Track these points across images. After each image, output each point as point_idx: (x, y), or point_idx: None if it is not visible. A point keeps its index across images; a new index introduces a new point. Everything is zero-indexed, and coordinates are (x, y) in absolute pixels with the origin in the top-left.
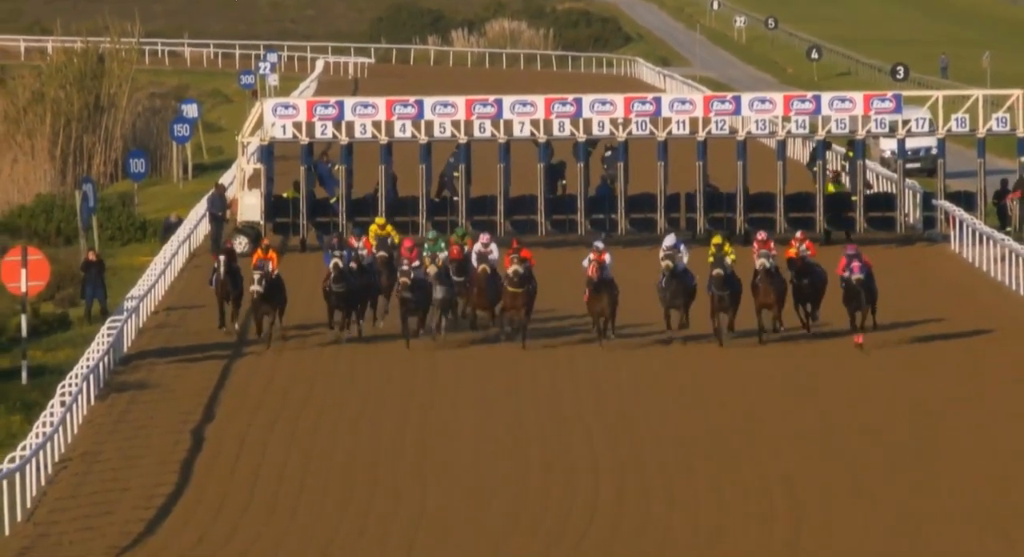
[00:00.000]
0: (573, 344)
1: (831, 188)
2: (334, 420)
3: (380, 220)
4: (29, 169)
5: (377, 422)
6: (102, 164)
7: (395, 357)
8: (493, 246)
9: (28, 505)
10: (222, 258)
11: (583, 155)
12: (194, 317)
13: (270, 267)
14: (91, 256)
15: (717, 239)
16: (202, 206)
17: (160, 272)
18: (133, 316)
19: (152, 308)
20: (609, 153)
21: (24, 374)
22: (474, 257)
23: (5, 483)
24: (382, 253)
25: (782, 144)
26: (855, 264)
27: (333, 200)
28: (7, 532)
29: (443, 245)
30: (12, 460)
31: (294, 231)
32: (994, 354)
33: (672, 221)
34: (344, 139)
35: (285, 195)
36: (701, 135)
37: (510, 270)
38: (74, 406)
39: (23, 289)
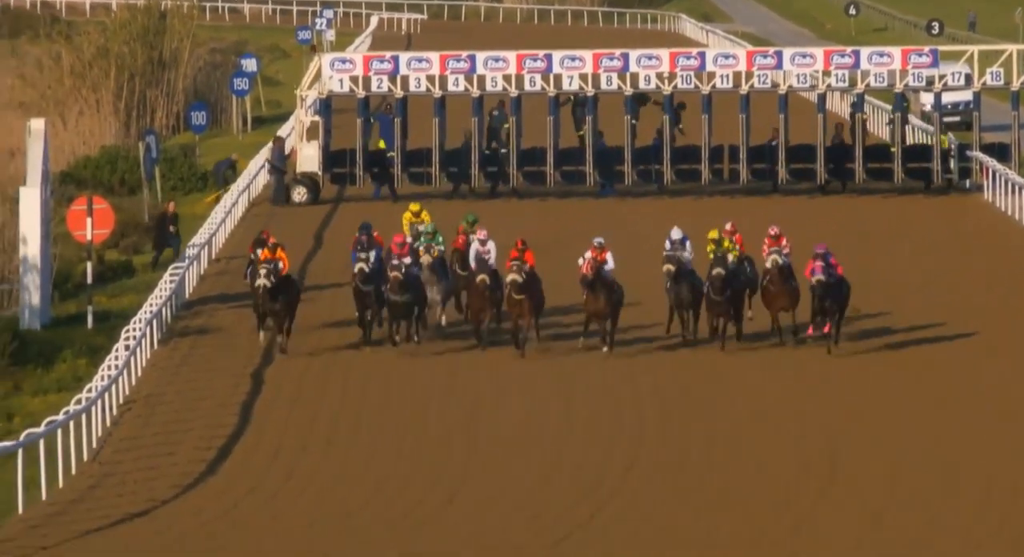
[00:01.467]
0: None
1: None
2: (389, 362)
3: (415, 206)
4: (94, 122)
5: (430, 365)
6: (164, 117)
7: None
8: (491, 244)
9: (94, 445)
10: (259, 251)
11: (631, 108)
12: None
13: (281, 267)
14: (171, 208)
15: (714, 233)
16: (261, 157)
17: (220, 221)
18: (195, 263)
19: (213, 256)
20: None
21: (90, 319)
22: (471, 256)
23: (72, 424)
24: (426, 256)
25: (822, 97)
26: (817, 264)
27: (390, 153)
28: (74, 471)
29: (441, 239)
30: (79, 402)
31: (351, 181)
32: None
33: (716, 172)
34: (399, 92)
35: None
36: (744, 89)
37: (508, 279)
38: (138, 350)
39: (88, 237)
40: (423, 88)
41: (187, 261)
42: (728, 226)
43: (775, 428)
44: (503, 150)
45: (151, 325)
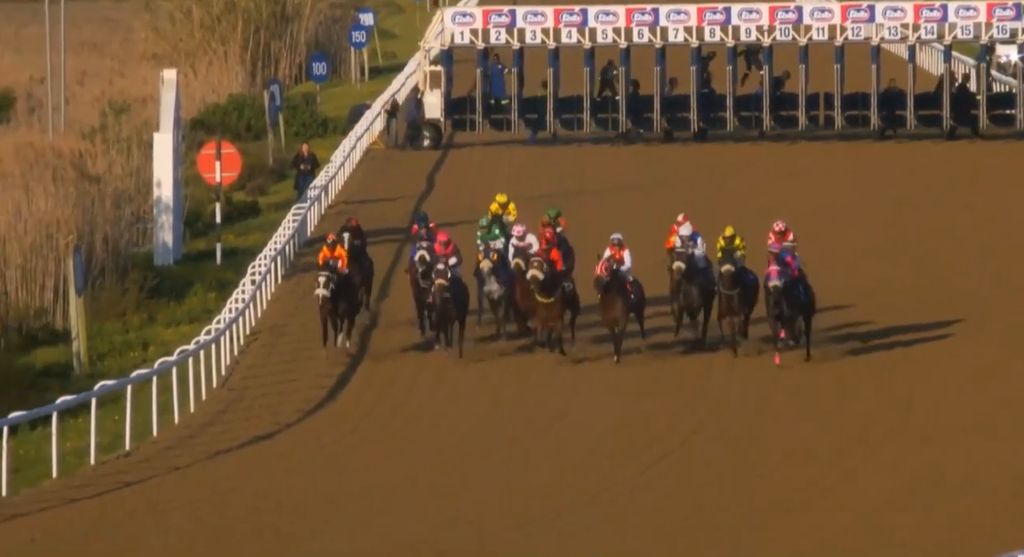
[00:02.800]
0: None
1: None
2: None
3: (501, 197)
4: (222, 72)
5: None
6: (287, 67)
7: None
8: (530, 237)
9: (222, 373)
10: (346, 235)
11: (732, 59)
12: (369, 206)
13: (339, 266)
14: (304, 151)
15: (729, 231)
16: (378, 105)
17: (339, 165)
18: (316, 204)
19: (332, 197)
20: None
21: (218, 256)
22: (510, 251)
23: (202, 353)
24: (485, 262)
25: (912, 49)
26: (772, 269)
27: (505, 101)
28: (204, 397)
29: (497, 232)
30: (208, 332)
31: (470, 127)
32: None
33: (812, 119)
34: (516, 44)
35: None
36: (839, 41)
37: (528, 275)
38: (263, 284)
39: (217, 179)
40: (538, 40)
41: (309, 202)
42: (778, 226)
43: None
44: (616, 97)
45: (275, 261)
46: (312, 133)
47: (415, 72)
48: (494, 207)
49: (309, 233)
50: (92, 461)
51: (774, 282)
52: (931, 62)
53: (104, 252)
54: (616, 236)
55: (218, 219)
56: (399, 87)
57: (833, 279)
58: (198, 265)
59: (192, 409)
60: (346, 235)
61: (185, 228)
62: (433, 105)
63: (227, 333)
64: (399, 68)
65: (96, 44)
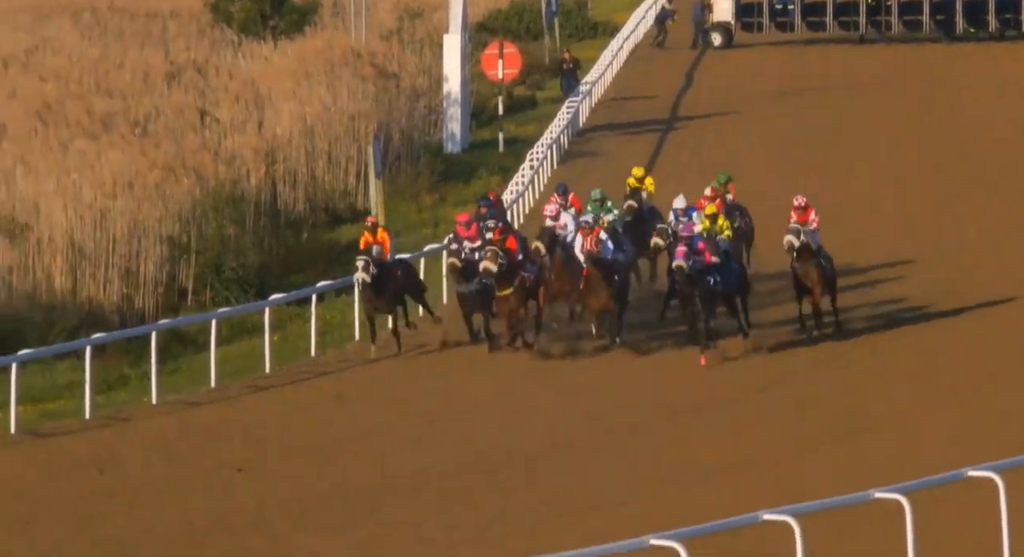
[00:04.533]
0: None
1: None
2: None
3: (638, 171)
4: None
5: None
6: None
7: None
8: (566, 217)
9: None
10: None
11: None
12: (637, 102)
13: (381, 252)
14: (567, 55)
15: (711, 209)
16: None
17: (607, 63)
18: (587, 98)
19: (601, 92)
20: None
21: (500, 144)
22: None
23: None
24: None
25: None
26: (679, 249)
27: (791, 6)
28: None
29: (610, 205)
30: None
31: (758, 29)
32: None
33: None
34: None
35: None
36: None
37: (481, 267)
38: (540, 170)
39: (500, 76)
40: None
41: (580, 96)
42: (797, 201)
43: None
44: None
45: (551, 149)
46: (583, 35)
47: None
48: (631, 181)
49: (581, 124)
50: (389, 326)
51: (677, 262)
52: None
53: (400, 140)
54: (585, 219)
55: (500, 111)
56: None
57: None
58: (482, 152)
59: None
60: (483, 209)
61: (471, 119)
62: (724, 9)
63: (508, 213)
64: None
65: None
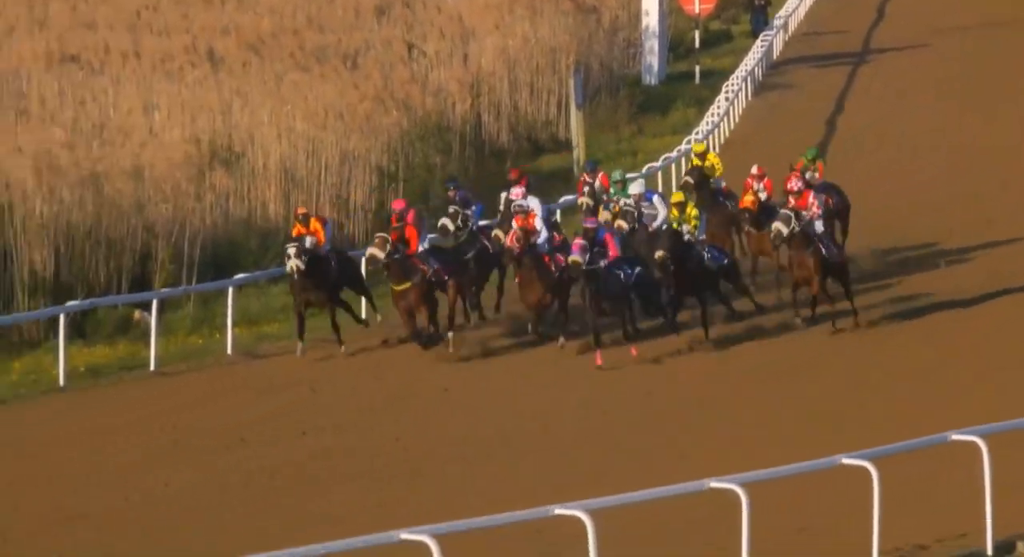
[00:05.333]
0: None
1: None
2: None
3: (699, 146)
4: None
5: None
6: None
7: None
8: (532, 202)
9: None
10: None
11: None
12: (829, 36)
13: (316, 243)
14: None
15: (678, 196)
16: None
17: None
18: (780, 31)
19: (795, 27)
20: None
21: (697, 76)
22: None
23: (683, 159)
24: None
25: None
26: (576, 242)
27: None
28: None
29: (633, 188)
30: (688, 142)
31: None
32: None
33: None
34: None
35: None
36: None
37: (367, 253)
38: (735, 101)
39: (696, 10)
40: None
41: (774, 30)
42: (755, 169)
43: None
44: None
45: (746, 81)
46: None
47: None
48: (695, 160)
49: (775, 57)
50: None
51: (573, 256)
52: None
53: (599, 73)
54: (520, 203)
55: (696, 44)
56: None
57: None
58: (679, 84)
59: None
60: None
61: (668, 53)
62: None
63: (704, 143)
64: None
65: None
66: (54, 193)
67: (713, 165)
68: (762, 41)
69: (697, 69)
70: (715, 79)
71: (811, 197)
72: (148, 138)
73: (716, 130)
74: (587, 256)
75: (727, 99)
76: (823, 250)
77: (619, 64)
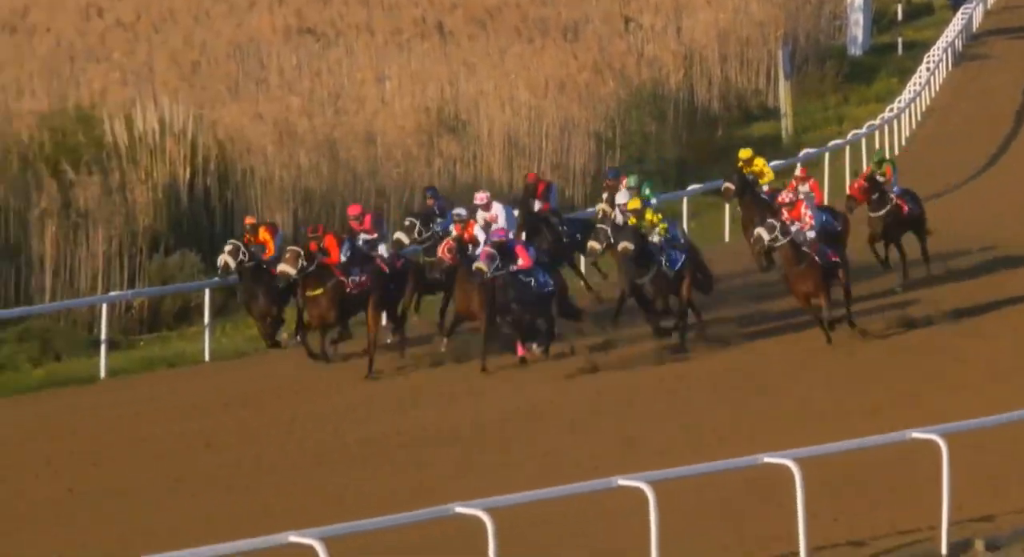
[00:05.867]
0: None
1: None
2: None
3: (745, 153)
4: None
5: None
6: None
7: None
8: (497, 208)
9: (902, 143)
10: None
11: None
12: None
13: (262, 252)
14: None
15: (635, 203)
16: None
17: None
18: (980, 3)
19: (993, 0)
20: None
21: (899, 47)
22: (479, 234)
23: (886, 127)
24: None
25: None
26: (483, 250)
27: None
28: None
29: (648, 193)
30: (891, 110)
31: None
32: None
33: None
34: None
35: None
36: None
37: (279, 270)
38: (936, 71)
39: None
40: None
41: (975, 2)
42: (798, 171)
43: None
44: None
45: (947, 52)
46: None
47: None
48: (740, 164)
49: (975, 29)
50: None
51: (477, 264)
52: None
53: (806, 44)
54: (458, 211)
55: (899, 17)
56: None
57: None
58: (883, 55)
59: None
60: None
61: (872, 25)
62: None
63: (907, 111)
64: None
65: None
66: (292, 158)
67: (761, 171)
68: (962, 13)
69: (900, 41)
70: (917, 50)
71: (803, 208)
72: (380, 106)
73: (917, 99)
74: (494, 264)
75: (928, 69)
76: (816, 258)
77: (825, 36)
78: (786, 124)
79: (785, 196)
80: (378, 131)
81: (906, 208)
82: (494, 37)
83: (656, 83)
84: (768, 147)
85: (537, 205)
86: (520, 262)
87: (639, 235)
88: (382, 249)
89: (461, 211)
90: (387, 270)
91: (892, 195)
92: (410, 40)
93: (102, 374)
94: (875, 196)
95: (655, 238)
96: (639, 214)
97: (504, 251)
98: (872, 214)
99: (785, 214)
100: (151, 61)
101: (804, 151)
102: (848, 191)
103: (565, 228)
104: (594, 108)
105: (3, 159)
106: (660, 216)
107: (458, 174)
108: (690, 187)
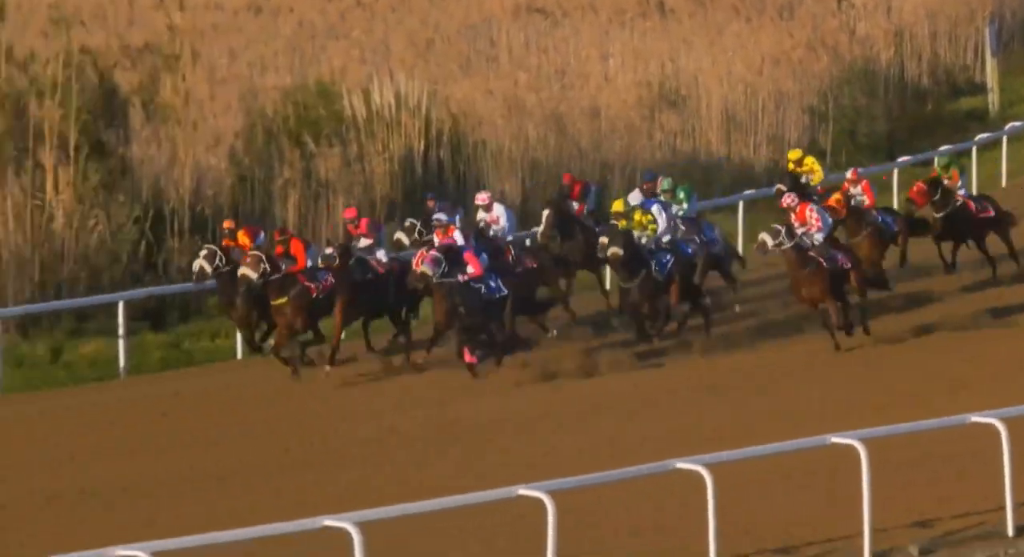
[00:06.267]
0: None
1: None
2: None
3: (794, 154)
4: None
5: None
6: None
7: None
8: (499, 209)
9: None
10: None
11: None
12: None
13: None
14: None
15: (618, 205)
16: None
17: None
18: None
19: None
20: None
21: None
22: (458, 238)
23: None
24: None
25: None
26: (427, 253)
27: None
28: None
29: (682, 196)
30: None
31: None
32: None
33: None
34: None
35: None
36: None
37: (239, 273)
38: None
39: None
40: None
41: None
42: (849, 174)
43: None
44: None
45: None
46: None
47: None
48: (789, 166)
49: None
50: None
51: (423, 268)
52: None
53: (1012, 22)
54: (439, 216)
55: None
56: None
57: None
58: None
59: None
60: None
61: None
62: None
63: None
64: None
65: None
66: (520, 131)
67: (812, 170)
68: None
69: None
70: None
71: (808, 211)
72: (603, 82)
73: None
74: (440, 269)
75: None
76: (823, 263)
77: None
78: (992, 99)
79: (787, 200)
80: (602, 105)
81: (974, 207)
82: (712, 16)
83: (867, 60)
84: (976, 121)
85: (574, 206)
86: (470, 270)
87: (630, 239)
88: (380, 254)
89: (441, 216)
90: (383, 272)
91: (958, 194)
92: (632, 19)
93: None
94: (937, 196)
95: (643, 239)
96: (627, 216)
97: (453, 257)
98: (935, 214)
99: (792, 218)
100: (388, 39)
101: (1010, 124)
102: (908, 194)
103: (599, 230)
104: (808, 83)
105: (249, 132)
106: (651, 217)
107: (678, 146)
108: (899, 158)
